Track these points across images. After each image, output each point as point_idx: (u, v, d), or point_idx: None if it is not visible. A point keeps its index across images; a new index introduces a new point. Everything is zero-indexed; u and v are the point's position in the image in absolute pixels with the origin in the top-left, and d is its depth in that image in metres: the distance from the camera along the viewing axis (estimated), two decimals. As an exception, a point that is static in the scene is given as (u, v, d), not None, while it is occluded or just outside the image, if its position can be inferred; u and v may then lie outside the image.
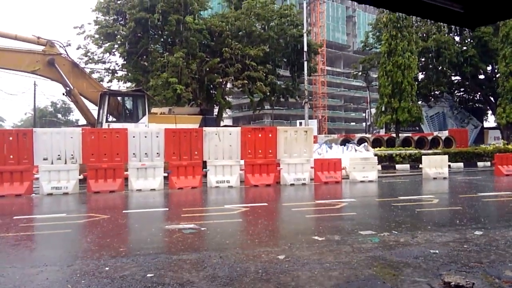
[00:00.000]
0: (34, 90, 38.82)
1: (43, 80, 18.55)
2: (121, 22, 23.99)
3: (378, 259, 5.07)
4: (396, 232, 6.51)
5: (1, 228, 7.52)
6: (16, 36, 15.56)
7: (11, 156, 12.30)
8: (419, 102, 30.28)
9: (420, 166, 16.91)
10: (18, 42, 15.84)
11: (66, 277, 4.50)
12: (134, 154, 13.40)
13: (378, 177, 15.65)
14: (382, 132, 32.74)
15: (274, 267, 4.74)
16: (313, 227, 7.43)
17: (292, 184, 14.00)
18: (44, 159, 12.58)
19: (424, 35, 31.71)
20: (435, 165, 16.46)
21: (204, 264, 4.92)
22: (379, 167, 17.98)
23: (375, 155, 17.49)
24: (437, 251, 5.37)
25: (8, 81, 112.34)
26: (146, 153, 13.53)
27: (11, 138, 12.50)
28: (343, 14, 76.46)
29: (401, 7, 4.76)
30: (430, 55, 31.18)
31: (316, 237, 6.20)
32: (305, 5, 30.38)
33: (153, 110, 18.49)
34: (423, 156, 17.55)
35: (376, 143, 24.32)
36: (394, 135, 25.66)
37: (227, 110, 33.20)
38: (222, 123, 27.91)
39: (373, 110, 35.27)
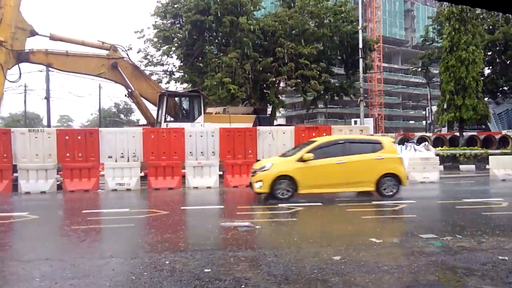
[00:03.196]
0: (99, 92, 41.44)
1: (107, 82, 19.74)
2: (177, 25, 24.82)
3: (441, 264, 4.82)
4: (460, 237, 6.15)
5: (72, 221, 8.11)
6: (83, 42, 16.65)
7: (80, 154, 13.18)
8: (486, 99, 28.32)
9: (487, 167, 15.88)
10: (84, 48, 16.93)
11: (130, 269, 4.76)
12: (190, 152, 13.81)
13: (440, 178, 14.88)
14: (444, 131, 31.07)
15: (329, 268, 4.67)
16: (370, 228, 7.23)
17: (347, 184, 13.68)
18: (109, 157, 13.34)
19: (490, 27, 29.61)
20: (504, 166, 15.33)
21: (259, 262, 4.97)
22: (441, 167, 17.12)
23: (437, 155, 16.64)
24: (506, 258, 5.01)
25: (76, 84, 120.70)
26: (202, 152, 13.90)
27: (79, 137, 13.41)
28: (400, 8, 73.43)
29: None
30: (497, 48, 29.07)
31: (373, 239, 6.03)
32: (360, 0, 29.56)
33: (208, 109, 18.94)
34: (490, 156, 16.47)
35: (437, 142, 23.18)
36: (457, 134, 24.28)
37: (281, 109, 33.16)
38: (275, 122, 27.97)
39: (434, 108, 33.55)
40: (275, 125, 21.41)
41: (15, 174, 12.61)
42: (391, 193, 10.34)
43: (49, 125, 34.28)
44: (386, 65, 67.82)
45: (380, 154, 10.43)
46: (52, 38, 15.95)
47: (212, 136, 14.07)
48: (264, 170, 10.17)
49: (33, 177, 12.61)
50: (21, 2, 14.77)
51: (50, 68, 21.77)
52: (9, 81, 15.36)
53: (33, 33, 15.27)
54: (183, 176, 13.49)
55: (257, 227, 7.11)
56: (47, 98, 32.32)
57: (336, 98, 28.87)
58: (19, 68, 15.49)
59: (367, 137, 13.12)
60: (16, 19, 14.58)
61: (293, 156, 10.45)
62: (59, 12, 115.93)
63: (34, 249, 5.90)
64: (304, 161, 10.01)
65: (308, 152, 10.20)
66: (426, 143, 18.40)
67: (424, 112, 54.39)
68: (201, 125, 16.26)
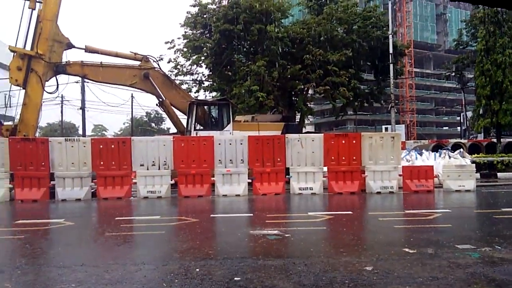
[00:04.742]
0: (132, 102, 42.40)
1: (139, 92, 20.24)
2: (207, 35, 25.21)
3: (479, 276, 4.62)
4: (499, 248, 5.89)
5: (106, 228, 8.33)
6: (116, 53, 17.21)
7: (113, 162, 13.55)
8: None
9: (528, 174, 15.14)
10: (118, 59, 17.45)
11: (161, 276, 4.82)
12: (220, 160, 13.92)
13: (477, 186, 14.32)
14: (480, 137, 29.97)
15: (361, 279, 4.57)
16: (403, 238, 7.03)
17: (378, 192, 13.43)
18: (141, 165, 13.64)
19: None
20: (546, 173, 14.60)
21: (289, 271, 4.92)
22: (478, 175, 16.48)
23: (473, 162, 16.05)
24: (551, 271, 4.74)
25: (109, 95, 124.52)
26: (231, 160, 13.98)
27: (113, 146, 13.79)
28: (432, 12, 71.84)
29: (502, 2, 4.32)
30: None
31: (406, 249, 5.86)
32: (390, 5, 29.10)
33: (237, 118, 19.07)
34: (530, 164, 15.70)
35: (473, 149, 22.35)
36: (494, 140, 23.36)
37: (309, 116, 32.98)
38: (304, 130, 27.81)
39: (469, 114, 32.45)
40: (304, 133, 21.30)
41: (52, 182, 13.09)
42: None
43: (84, 135, 35.53)
44: (418, 70, 66.30)
45: None
46: (87, 50, 16.58)
47: (241, 144, 14.13)
48: None
49: (69, 185, 13.06)
50: (58, 16, 15.47)
51: (85, 79, 22.61)
52: (47, 92, 16.03)
53: (69, 46, 15.93)
54: (212, 184, 13.60)
55: (287, 235, 7.05)
56: (83, 108, 33.55)
57: (366, 104, 28.43)
58: (57, 80, 16.19)
59: None
60: (54, 33, 15.27)
61: None
62: (94, 24, 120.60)
63: (70, 255, 6.09)
64: None
65: None
66: (461, 150, 17.78)
67: (458, 118, 52.70)
68: (230, 133, 16.39)
